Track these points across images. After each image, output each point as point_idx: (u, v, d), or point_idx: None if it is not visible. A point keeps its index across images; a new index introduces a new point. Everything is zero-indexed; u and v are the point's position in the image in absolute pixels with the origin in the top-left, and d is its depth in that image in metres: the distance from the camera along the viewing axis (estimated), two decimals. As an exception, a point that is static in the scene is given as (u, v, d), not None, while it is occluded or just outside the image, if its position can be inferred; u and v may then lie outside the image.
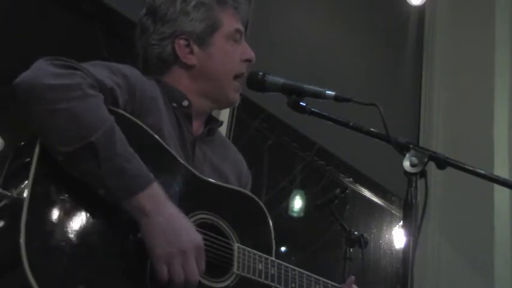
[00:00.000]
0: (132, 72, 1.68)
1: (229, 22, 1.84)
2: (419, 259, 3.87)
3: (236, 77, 1.85)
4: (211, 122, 1.90)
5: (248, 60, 1.86)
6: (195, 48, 1.80)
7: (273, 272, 1.72)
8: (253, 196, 1.83)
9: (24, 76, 1.41)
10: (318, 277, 1.87)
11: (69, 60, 1.49)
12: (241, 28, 1.87)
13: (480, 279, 4.21)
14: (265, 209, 1.82)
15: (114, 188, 1.42)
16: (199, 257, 1.50)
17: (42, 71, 1.42)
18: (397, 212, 4.71)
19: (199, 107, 1.82)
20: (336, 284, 1.94)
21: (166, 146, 1.62)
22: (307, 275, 1.83)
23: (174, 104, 1.77)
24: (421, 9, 5.04)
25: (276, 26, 3.78)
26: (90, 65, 1.56)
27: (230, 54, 1.84)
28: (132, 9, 2.75)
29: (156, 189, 1.47)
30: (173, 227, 1.46)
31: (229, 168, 1.89)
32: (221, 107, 1.96)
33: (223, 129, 3.06)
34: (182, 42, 1.80)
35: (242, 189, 1.83)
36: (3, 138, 2.05)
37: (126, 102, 1.59)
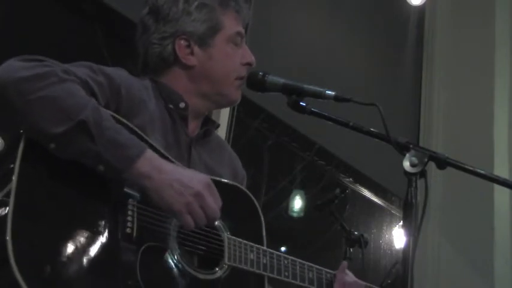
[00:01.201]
0: (117, 72, 1.67)
1: (231, 25, 1.84)
2: (419, 259, 3.88)
3: (237, 79, 1.85)
4: (208, 124, 1.89)
5: (248, 64, 1.86)
6: (196, 49, 1.80)
7: (265, 261, 1.73)
8: (243, 188, 1.84)
9: None
10: (311, 264, 1.89)
11: (39, 56, 1.49)
12: (243, 31, 1.87)
13: (480, 279, 4.21)
14: (255, 200, 1.83)
15: (112, 162, 1.43)
16: (213, 193, 1.55)
17: (12, 67, 1.42)
18: (397, 212, 4.71)
19: (196, 108, 1.82)
20: (329, 270, 1.95)
21: (151, 141, 1.61)
22: (300, 262, 1.85)
23: (171, 106, 1.77)
24: (421, 9, 5.04)
25: (276, 26, 3.78)
26: (71, 65, 1.56)
27: (230, 56, 1.83)
28: (132, 9, 2.76)
29: (150, 153, 1.49)
30: (177, 178, 1.50)
31: (225, 170, 1.90)
32: (221, 106, 1.96)
33: (223, 130, 3.06)
34: (183, 42, 1.79)
35: (232, 182, 1.83)
36: (3, 138, 2.05)
37: (108, 101, 1.58)
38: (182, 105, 1.78)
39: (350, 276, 1.99)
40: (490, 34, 4.75)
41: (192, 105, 1.80)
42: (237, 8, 1.86)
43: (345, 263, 2.02)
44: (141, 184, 1.48)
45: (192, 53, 1.80)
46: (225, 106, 1.99)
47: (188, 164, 1.74)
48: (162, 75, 1.81)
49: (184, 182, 1.50)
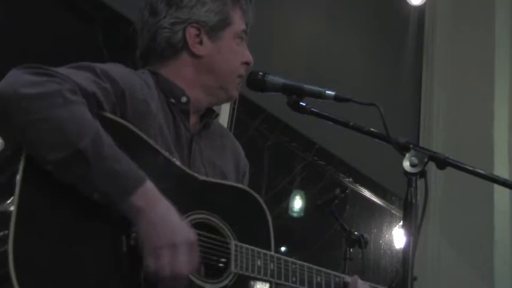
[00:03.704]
0: (120, 72, 1.64)
1: (238, 21, 1.84)
2: (419, 259, 3.88)
3: (238, 77, 1.84)
4: (207, 115, 1.87)
5: (247, 64, 1.85)
6: (205, 39, 1.78)
7: (272, 267, 1.70)
8: (250, 190, 1.80)
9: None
10: (319, 268, 1.84)
11: (46, 67, 1.45)
12: (247, 29, 1.87)
13: (480, 279, 4.21)
14: (262, 201, 1.80)
15: (107, 192, 1.40)
16: (192, 254, 1.47)
17: (18, 81, 1.38)
18: (397, 212, 4.71)
19: (197, 102, 1.80)
20: (339, 274, 1.91)
21: (158, 147, 1.59)
22: (308, 267, 1.81)
23: (172, 100, 1.75)
24: (421, 9, 5.04)
25: (276, 26, 3.78)
26: (73, 67, 1.53)
27: (236, 53, 1.82)
28: (132, 9, 2.75)
29: (148, 187, 1.45)
30: (165, 222, 1.44)
31: (227, 160, 1.87)
32: (219, 102, 1.92)
33: (223, 129, 3.05)
34: (193, 30, 1.77)
35: (238, 185, 1.80)
36: (2, 139, 2.04)
37: (114, 106, 1.56)
38: (184, 99, 1.76)
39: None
40: (490, 34, 4.75)
41: (194, 99, 1.78)
42: (244, 6, 1.86)
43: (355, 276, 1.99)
44: (131, 217, 1.44)
45: (200, 43, 1.78)
46: (223, 102, 1.96)
47: (189, 160, 1.73)
48: (165, 65, 1.79)
49: (168, 229, 1.44)
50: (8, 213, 1.32)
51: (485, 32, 4.77)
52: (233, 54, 1.82)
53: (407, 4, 4.85)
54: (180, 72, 1.78)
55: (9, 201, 1.34)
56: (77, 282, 1.36)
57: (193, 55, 1.78)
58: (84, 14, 2.91)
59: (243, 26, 1.85)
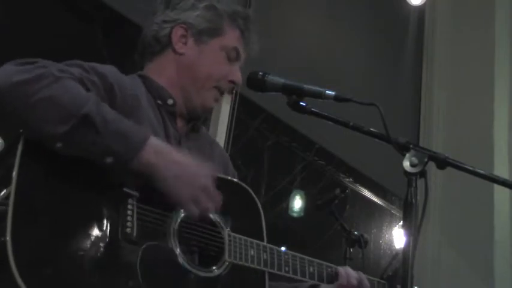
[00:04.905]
0: (109, 69, 1.68)
1: (231, 38, 1.87)
2: (419, 259, 3.88)
3: (216, 88, 1.86)
4: (194, 119, 1.90)
5: (233, 82, 1.87)
6: (190, 41, 1.84)
7: (265, 257, 1.74)
8: (242, 184, 1.84)
9: None
10: (311, 259, 1.89)
11: (31, 58, 1.49)
12: (240, 50, 1.88)
13: (480, 279, 4.21)
14: (253, 194, 1.84)
15: (120, 151, 1.44)
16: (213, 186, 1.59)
17: (7, 72, 1.42)
18: (397, 212, 4.71)
19: (181, 107, 1.83)
20: (331, 265, 1.95)
21: None
22: (300, 257, 1.86)
23: (159, 102, 1.79)
24: (421, 9, 5.04)
25: (276, 25, 3.78)
26: (63, 64, 1.56)
27: (219, 63, 1.85)
28: (132, 9, 2.76)
29: (154, 140, 1.51)
30: (186, 167, 1.53)
31: (216, 166, 1.89)
32: (195, 111, 1.87)
33: (223, 130, 3.05)
34: (180, 31, 1.83)
35: (229, 177, 1.84)
36: (3, 139, 2.05)
37: (103, 99, 1.58)
38: (170, 101, 1.80)
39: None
40: (490, 34, 4.75)
41: (179, 103, 1.82)
42: (243, 28, 1.89)
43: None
44: (149, 172, 1.49)
45: (185, 43, 1.84)
46: (198, 112, 1.88)
47: None
48: (152, 60, 1.85)
49: (191, 174, 1.53)
50: (6, 202, 1.33)
51: (485, 32, 4.77)
52: (216, 63, 1.85)
53: (407, 4, 4.86)
54: (164, 69, 1.83)
55: (6, 190, 1.35)
56: (73, 271, 1.38)
57: (176, 52, 1.83)
58: (84, 14, 2.91)
59: (235, 44, 1.87)
